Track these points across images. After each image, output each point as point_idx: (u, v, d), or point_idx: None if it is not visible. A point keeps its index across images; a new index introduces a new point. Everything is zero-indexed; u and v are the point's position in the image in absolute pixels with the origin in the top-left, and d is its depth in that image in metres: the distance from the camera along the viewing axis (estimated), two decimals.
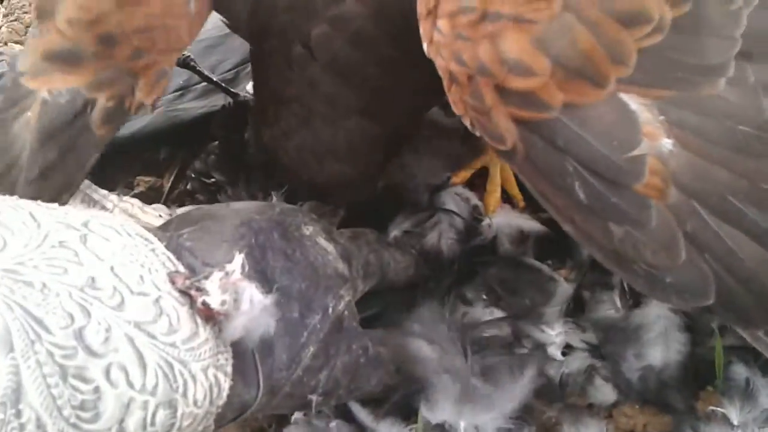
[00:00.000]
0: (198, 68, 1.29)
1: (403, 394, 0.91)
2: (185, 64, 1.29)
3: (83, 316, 0.50)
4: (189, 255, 0.64)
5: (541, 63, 0.67)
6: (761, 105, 0.69)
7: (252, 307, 0.62)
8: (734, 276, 0.68)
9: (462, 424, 0.85)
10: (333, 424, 0.93)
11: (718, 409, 0.91)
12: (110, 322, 0.52)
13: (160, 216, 1.07)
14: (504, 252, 1.08)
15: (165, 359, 0.54)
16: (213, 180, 1.28)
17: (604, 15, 0.67)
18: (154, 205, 1.10)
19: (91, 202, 1.00)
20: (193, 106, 1.32)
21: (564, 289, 1.04)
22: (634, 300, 1.01)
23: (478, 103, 0.70)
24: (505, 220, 1.10)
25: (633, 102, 0.68)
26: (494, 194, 1.13)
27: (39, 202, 0.57)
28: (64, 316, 0.50)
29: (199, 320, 0.59)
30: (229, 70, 1.35)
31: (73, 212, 0.57)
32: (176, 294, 0.58)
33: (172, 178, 1.29)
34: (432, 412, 0.86)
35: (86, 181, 1.01)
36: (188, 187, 1.28)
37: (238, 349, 0.64)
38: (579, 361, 0.98)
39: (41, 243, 0.52)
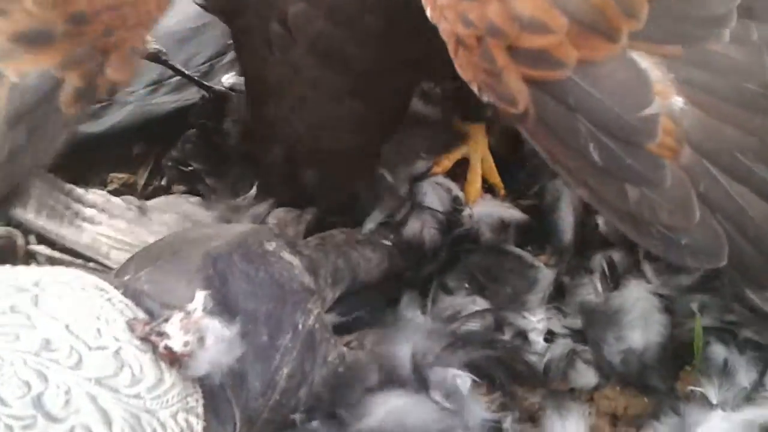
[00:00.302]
0: (170, 63, 1.26)
1: None
2: (157, 59, 1.25)
3: (40, 382, 0.50)
4: (147, 299, 0.64)
5: (557, 19, 0.65)
6: (765, 63, 0.70)
7: (216, 343, 0.62)
8: (745, 236, 0.69)
9: None
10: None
11: (697, 388, 0.92)
12: (69, 384, 0.52)
13: (130, 209, 1.07)
14: (485, 241, 1.08)
15: (130, 412, 0.55)
16: (191, 168, 1.26)
17: None
18: (123, 197, 1.10)
19: (54, 210, 0.99)
20: (167, 101, 1.29)
21: (545, 274, 1.04)
22: (614, 283, 1.01)
23: (489, 65, 0.68)
24: (485, 210, 1.09)
25: (643, 60, 0.68)
26: (475, 184, 1.12)
27: None
28: (20, 385, 0.50)
29: (163, 365, 0.59)
30: (203, 63, 1.32)
31: (24, 272, 0.56)
32: (137, 342, 0.58)
33: (146, 174, 1.27)
34: None
35: (47, 186, 1.01)
36: (163, 182, 1.25)
37: (207, 387, 0.64)
38: (561, 347, 0.99)
39: None
